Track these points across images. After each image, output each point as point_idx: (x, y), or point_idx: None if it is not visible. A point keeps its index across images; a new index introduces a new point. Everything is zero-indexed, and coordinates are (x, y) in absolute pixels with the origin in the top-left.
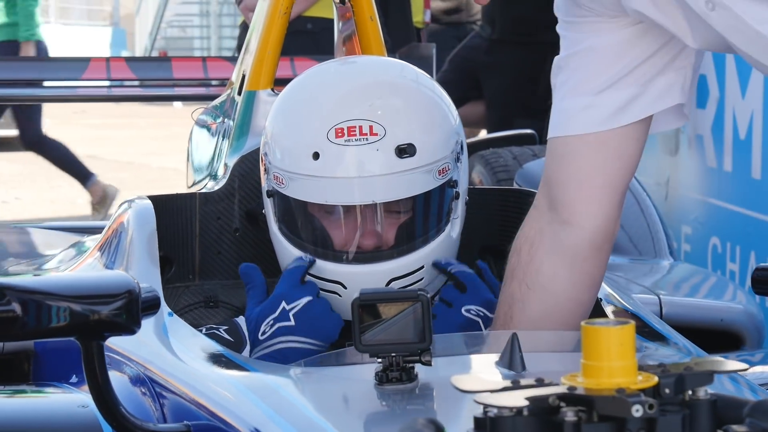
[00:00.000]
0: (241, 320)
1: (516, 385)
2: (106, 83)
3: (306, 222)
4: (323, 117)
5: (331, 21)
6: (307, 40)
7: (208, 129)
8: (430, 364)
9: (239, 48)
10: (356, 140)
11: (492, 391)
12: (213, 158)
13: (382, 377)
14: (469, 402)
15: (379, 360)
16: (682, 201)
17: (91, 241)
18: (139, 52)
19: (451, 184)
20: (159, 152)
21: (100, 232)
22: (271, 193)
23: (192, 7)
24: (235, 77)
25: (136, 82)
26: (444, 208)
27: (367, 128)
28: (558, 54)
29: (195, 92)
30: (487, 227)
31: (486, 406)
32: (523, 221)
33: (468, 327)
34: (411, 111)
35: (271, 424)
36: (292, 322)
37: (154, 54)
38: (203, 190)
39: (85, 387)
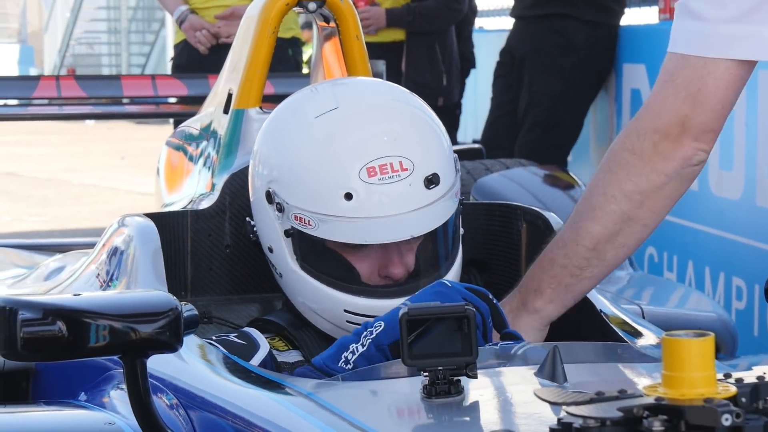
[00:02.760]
0: (251, 330)
1: (601, 397)
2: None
3: (333, 259)
4: (351, 155)
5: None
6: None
7: (185, 150)
8: (476, 377)
9: (176, 67)
10: (389, 178)
11: (579, 403)
12: (195, 178)
13: (430, 390)
14: (516, 414)
15: (425, 374)
16: None
17: (55, 262)
18: (48, 70)
19: (461, 203)
20: (78, 168)
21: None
22: (291, 233)
23: (100, 24)
24: (212, 96)
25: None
26: (458, 227)
27: (398, 164)
28: None
29: (146, 110)
30: (471, 241)
31: (572, 416)
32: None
33: None
34: (429, 139)
35: (310, 425)
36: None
37: (63, 71)
38: (194, 208)
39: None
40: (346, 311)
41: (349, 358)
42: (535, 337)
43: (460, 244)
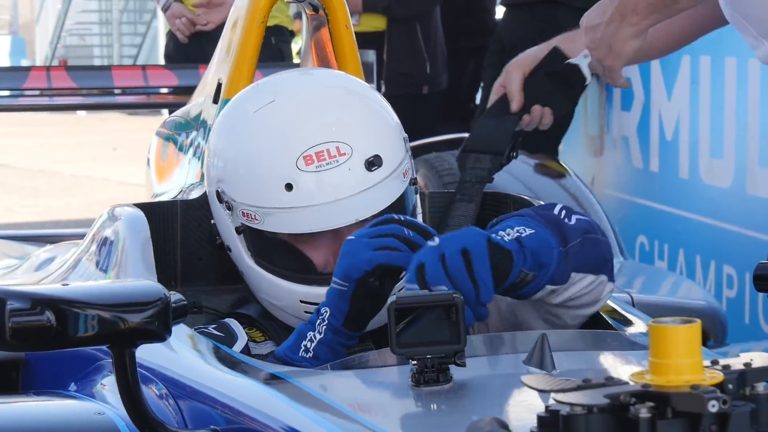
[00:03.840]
0: (230, 321)
1: (588, 384)
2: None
3: (285, 251)
4: (287, 146)
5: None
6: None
7: (174, 140)
8: (465, 365)
9: (168, 57)
10: (327, 164)
11: (566, 390)
12: (185, 168)
13: (418, 379)
14: (506, 401)
15: (413, 362)
16: (608, 200)
17: (46, 252)
18: (39, 61)
19: (413, 182)
20: (70, 160)
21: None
22: (241, 230)
23: (92, 15)
24: (201, 86)
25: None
26: (411, 208)
27: (335, 150)
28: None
29: (137, 101)
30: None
31: (559, 403)
32: None
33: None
34: (368, 121)
35: (312, 424)
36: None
37: (55, 62)
38: (184, 198)
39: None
40: (302, 302)
41: (309, 346)
42: (633, 45)
43: (417, 208)
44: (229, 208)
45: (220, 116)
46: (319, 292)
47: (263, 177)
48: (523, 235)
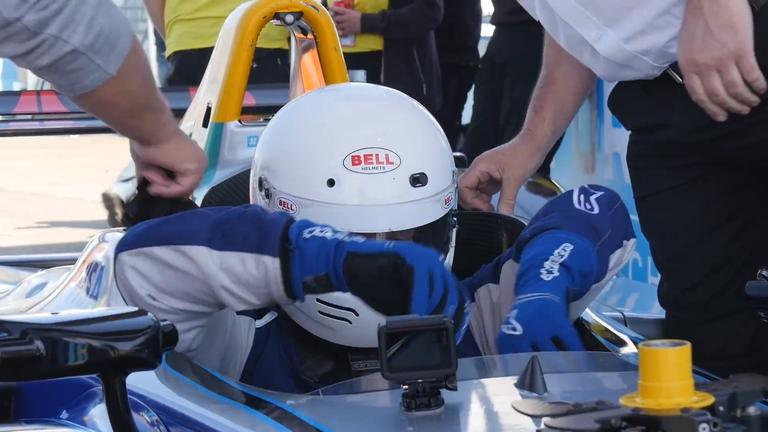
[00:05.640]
0: None
1: (579, 408)
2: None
3: None
4: (338, 143)
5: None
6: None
7: None
8: (456, 389)
9: (169, 80)
10: (373, 168)
11: (557, 415)
12: None
13: (410, 404)
14: (497, 425)
15: (405, 386)
16: None
17: (38, 278)
18: (31, 84)
19: (453, 213)
20: (62, 182)
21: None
22: None
23: None
24: (191, 109)
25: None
26: (445, 238)
27: (384, 157)
28: None
29: None
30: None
31: (550, 428)
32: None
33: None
34: (422, 140)
35: None
36: None
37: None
38: None
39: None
40: (318, 300)
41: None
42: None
43: (449, 256)
44: (268, 195)
45: (281, 110)
46: (337, 295)
47: (307, 168)
48: (565, 257)
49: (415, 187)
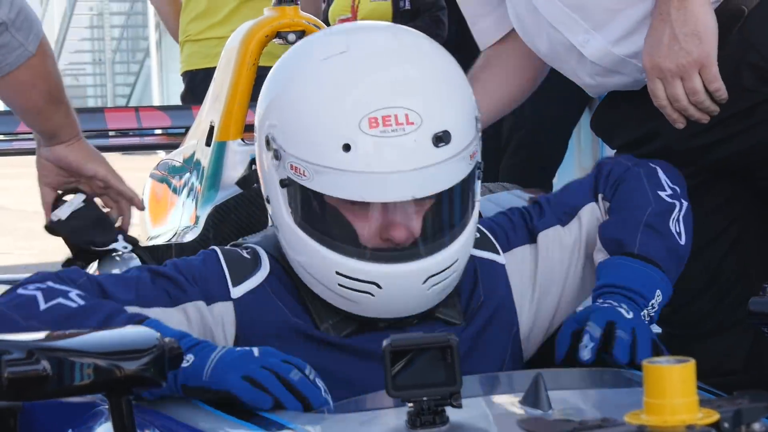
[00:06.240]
0: (261, 251)
1: (585, 426)
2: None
3: (329, 216)
4: (353, 104)
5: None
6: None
7: (168, 182)
8: (461, 407)
9: (183, 98)
10: (392, 131)
11: (569, 429)
12: (179, 210)
13: (415, 421)
14: None
15: (410, 404)
16: None
17: None
18: None
19: (478, 166)
20: None
21: None
22: (286, 183)
23: (85, 55)
24: (194, 128)
25: None
26: (472, 194)
27: (403, 117)
28: None
29: (130, 142)
30: None
31: None
32: None
33: None
34: (444, 91)
35: None
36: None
37: None
38: (178, 241)
39: None
40: (338, 273)
41: None
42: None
43: (475, 212)
44: (277, 157)
45: (282, 59)
46: (357, 266)
47: (321, 132)
48: (655, 309)
49: (438, 147)
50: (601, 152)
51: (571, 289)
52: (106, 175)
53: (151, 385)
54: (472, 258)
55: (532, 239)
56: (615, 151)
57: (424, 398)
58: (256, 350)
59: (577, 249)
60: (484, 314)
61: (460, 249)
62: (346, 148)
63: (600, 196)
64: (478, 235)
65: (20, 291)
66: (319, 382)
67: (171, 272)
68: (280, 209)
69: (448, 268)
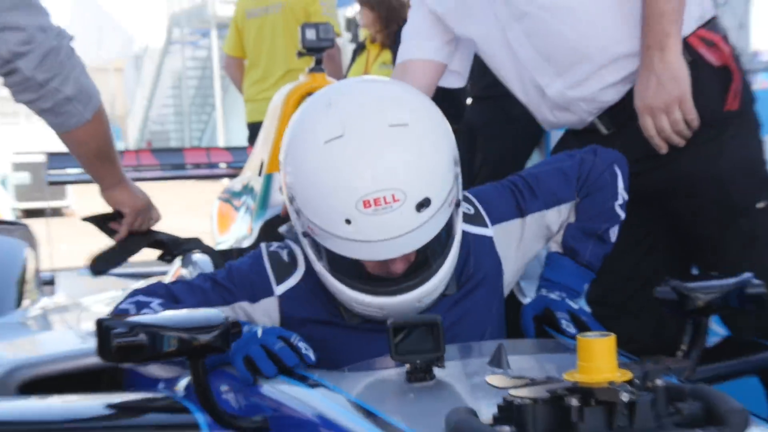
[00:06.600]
0: (298, 250)
1: (534, 382)
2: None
3: (343, 261)
4: (349, 188)
5: None
6: None
7: (231, 203)
8: (444, 367)
9: (250, 140)
10: (382, 209)
11: (518, 387)
12: (239, 224)
13: (410, 377)
14: (474, 394)
15: (407, 365)
16: None
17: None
18: (131, 143)
19: (457, 203)
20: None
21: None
22: (306, 234)
23: (169, 108)
24: (249, 163)
25: (157, 166)
26: (453, 227)
27: (390, 197)
28: None
29: (202, 173)
30: None
31: (514, 396)
32: None
33: None
34: (424, 164)
35: (335, 412)
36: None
37: (143, 144)
38: (238, 246)
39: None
40: (356, 303)
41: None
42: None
43: (458, 237)
44: (298, 214)
45: (292, 127)
46: (365, 300)
47: (327, 208)
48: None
49: (420, 211)
50: None
51: (531, 254)
52: (130, 213)
53: (219, 351)
54: (465, 234)
55: (521, 215)
56: None
57: (418, 361)
58: (259, 331)
59: (546, 229)
60: (475, 281)
61: (445, 274)
62: (347, 222)
63: (576, 196)
64: (472, 211)
65: (120, 306)
66: (302, 345)
67: (225, 280)
68: (306, 248)
69: (436, 290)
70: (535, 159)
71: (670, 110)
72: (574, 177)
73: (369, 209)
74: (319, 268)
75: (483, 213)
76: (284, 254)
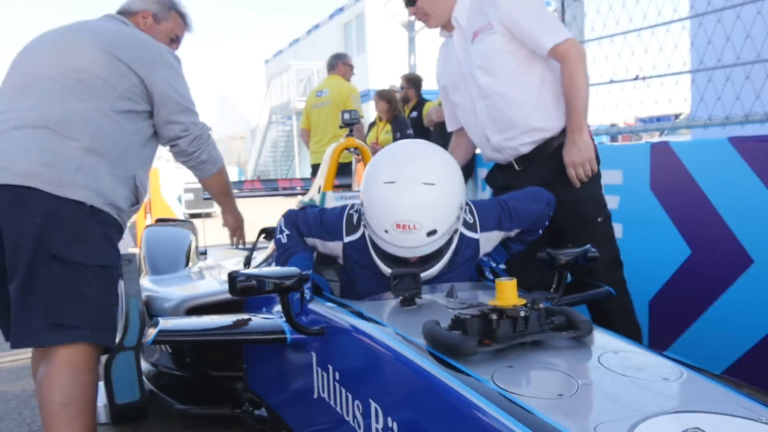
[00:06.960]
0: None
1: (472, 306)
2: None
3: (380, 249)
4: (390, 214)
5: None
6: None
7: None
8: (421, 298)
9: (312, 174)
10: (407, 231)
11: (463, 309)
12: None
13: (402, 303)
14: (438, 313)
15: (401, 297)
16: None
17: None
18: (249, 176)
19: (455, 231)
20: (251, 220)
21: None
22: (367, 232)
23: (269, 158)
24: (313, 186)
25: (263, 189)
26: (451, 242)
27: (412, 226)
28: None
29: (286, 192)
30: None
31: (461, 313)
32: None
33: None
34: (435, 208)
35: (357, 322)
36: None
37: (255, 177)
38: None
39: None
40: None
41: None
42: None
43: (452, 247)
44: (363, 216)
45: (371, 167)
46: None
47: (376, 220)
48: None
49: (429, 237)
50: (476, 193)
51: (492, 247)
52: (230, 229)
53: (296, 290)
54: (462, 235)
55: (500, 228)
56: (492, 190)
57: (406, 294)
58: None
59: (506, 237)
60: (461, 262)
61: (441, 265)
62: (386, 232)
63: (531, 226)
64: (472, 220)
65: (281, 224)
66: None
67: (318, 221)
68: (368, 243)
69: (435, 272)
70: (470, 187)
71: (584, 164)
72: (541, 207)
73: (399, 229)
74: (369, 245)
75: (477, 223)
76: (355, 217)
